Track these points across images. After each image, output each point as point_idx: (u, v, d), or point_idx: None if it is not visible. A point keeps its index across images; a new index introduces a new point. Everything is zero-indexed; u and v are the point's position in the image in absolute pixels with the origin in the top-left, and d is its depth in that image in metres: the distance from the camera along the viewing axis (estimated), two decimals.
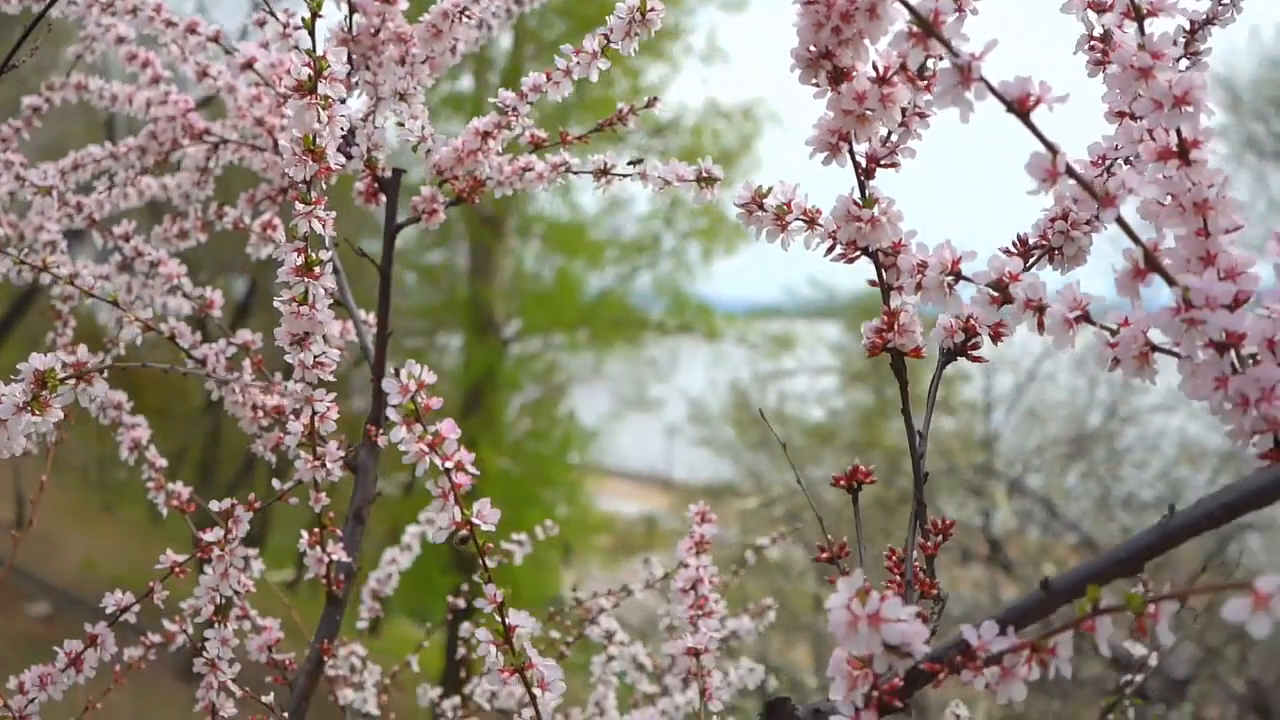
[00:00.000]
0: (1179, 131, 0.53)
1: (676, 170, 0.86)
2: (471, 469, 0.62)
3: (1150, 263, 0.51)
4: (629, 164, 0.94)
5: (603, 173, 0.94)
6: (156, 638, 1.14)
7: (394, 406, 0.61)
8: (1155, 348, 0.54)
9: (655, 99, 0.99)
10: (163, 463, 1.10)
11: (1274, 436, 0.50)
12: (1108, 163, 0.69)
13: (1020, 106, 0.50)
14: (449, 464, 0.62)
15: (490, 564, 0.66)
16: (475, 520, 0.63)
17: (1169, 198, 0.54)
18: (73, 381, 0.66)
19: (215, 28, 1.08)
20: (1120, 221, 0.51)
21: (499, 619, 0.65)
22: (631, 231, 12.04)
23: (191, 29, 1.08)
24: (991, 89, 0.50)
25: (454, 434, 0.62)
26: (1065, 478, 6.61)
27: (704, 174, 0.83)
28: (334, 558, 0.96)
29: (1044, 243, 0.68)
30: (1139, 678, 1.07)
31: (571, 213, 11.89)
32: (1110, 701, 1.06)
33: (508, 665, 0.65)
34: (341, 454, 0.90)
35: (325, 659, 0.98)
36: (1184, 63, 0.72)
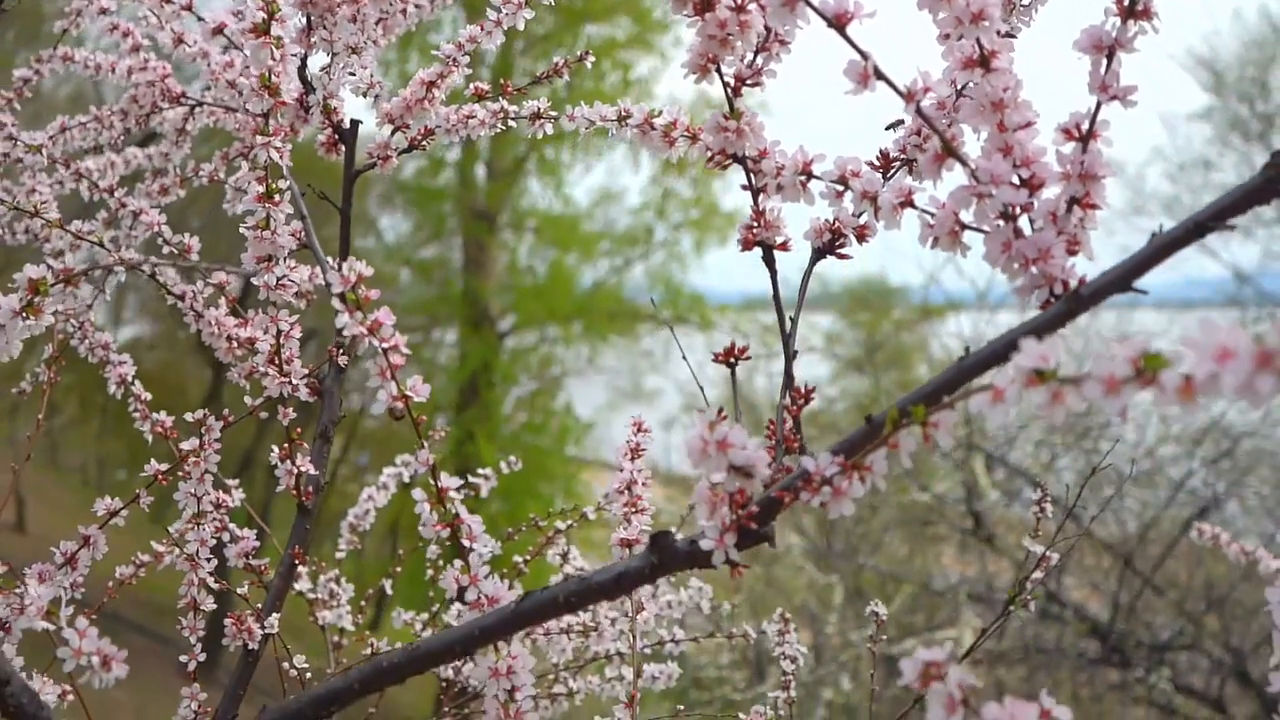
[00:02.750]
0: (979, 43, 0.64)
1: (600, 112, 0.97)
2: (404, 349, 0.73)
3: (947, 150, 0.62)
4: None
5: (536, 116, 1.05)
6: (146, 556, 1.25)
7: (336, 295, 0.71)
8: (964, 225, 0.65)
9: (587, 53, 1.10)
10: (147, 396, 1.20)
11: (1049, 289, 0.61)
12: (959, 85, 0.79)
13: (838, 21, 0.61)
14: (386, 345, 0.72)
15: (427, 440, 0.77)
16: (410, 393, 0.73)
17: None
18: (61, 285, 0.77)
19: None
20: (920, 114, 0.62)
21: (433, 482, 0.76)
22: (624, 224, 12.15)
23: None
24: (813, 8, 0.61)
25: (390, 320, 0.73)
26: (1046, 451, 6.73)
27: (623, 113, 0.93)
28: (303, 470, 1.07)
29: (903, 155, 0.78)
30: (1039, 575, 1.18)
31: (564, 206, 12.01)
32: (1012, 594, 1.17)
33: (441, 521, 0.75)
34: (305, 371, 1.01)
35: (296, 563, 1.09)
36: None
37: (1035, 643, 6.36)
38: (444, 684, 1.49)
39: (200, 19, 1.18)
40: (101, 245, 1.08)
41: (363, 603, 1.47)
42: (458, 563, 0.75)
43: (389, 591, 1.52)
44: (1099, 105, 0.62)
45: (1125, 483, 6.49)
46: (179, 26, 1.23)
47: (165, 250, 1.18)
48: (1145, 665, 5.78)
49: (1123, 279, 0.57)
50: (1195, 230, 0.56)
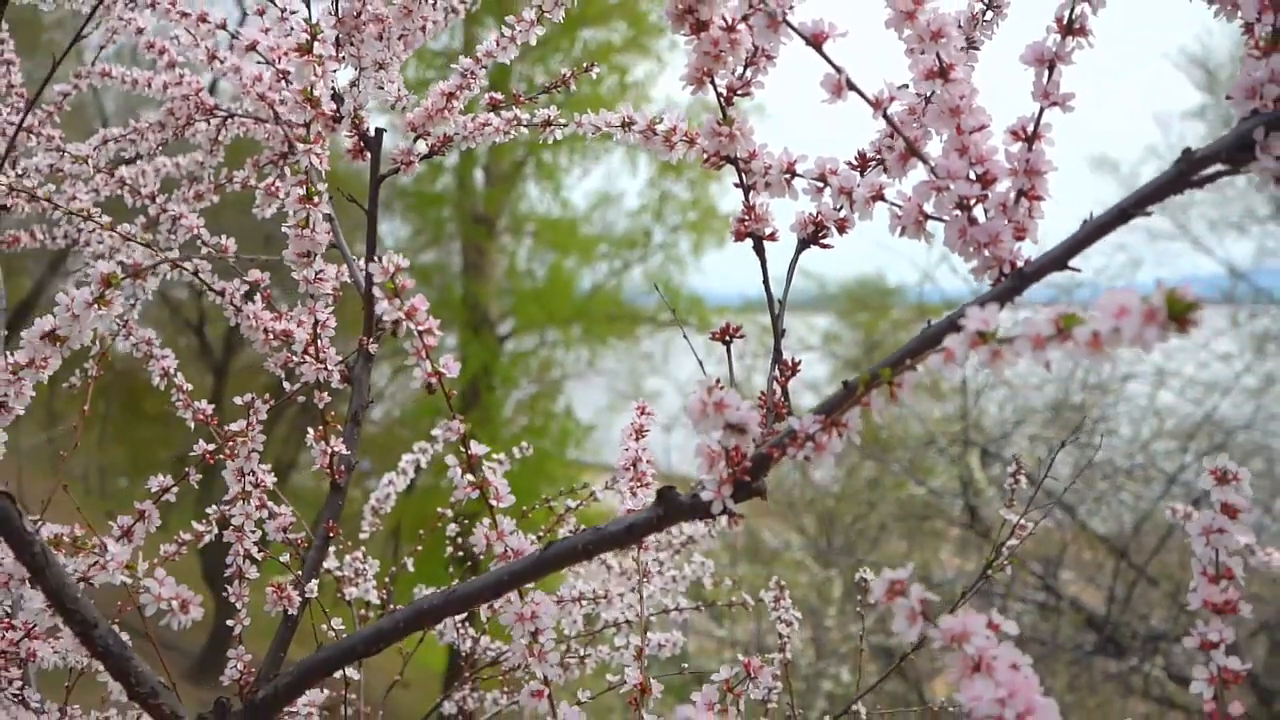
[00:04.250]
0: (939, 57, 0.73)
1: (606, 118, 1.07)
2: (437, 331, 0.82)
3: (911, 150, 0.72)
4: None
5: (546, 124, 1.15)
6: (187, 536, 1.34)
7: (377, 284, 0.81)
8: (927, 215, 0.74)
9: (592, 64, 1.20)
10: (188, 386, 1.29)
11: (1000, 269, 0.71)
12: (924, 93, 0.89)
13: (816, 40, 0.71)
14: (422, 328, 0.82)
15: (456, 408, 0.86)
16: (441, 369, 0.83)
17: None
18: (130, 279, 0.86)
19: (222, 16, 1.28)
20: (887, 119, 0.72)
21: (464, 451, 0.85)
22: (623, 227, 12.26)
23: (202, 18, 1.28)
24: (793, 29, 0.70)
25: (424, 305, 0.82)
26: (1040, 446, 6.82)
27: (626, 120, 1.03)
28: (336, 451, 1.16)
29: (877, 156, 0.88)
30: (1012, 542, 1.27)
31: (562, 210, 12.11)
32: (989, 559, 1.26)
33: (471, 484, 0.85)
34: (340, 359, 1.11)
35: (331, 536, 1.18)
36: (989, 13, 0.93)
37: (1033, 635, 6.45)
38: (463, 657, 1.59)
39: (234, 36, 1.28)
40: (147, 245, 1.18)
41: (387, 578, 1.57)
42: (486, 520, 0.85)
43: (411, 569, 1.62)
44: (1041, 110, 0.72)
45: (1096, 454, 6.59)
46: (212, 44, 1.33)
47: (203, 251, 1.28)
48: (1140, 655, 5.87)
49: (1060, 259, 0.67)
50: (1120, 216, 0.66)
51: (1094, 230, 0.67)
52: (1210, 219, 9.47)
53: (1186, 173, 0.64)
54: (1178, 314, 0.48)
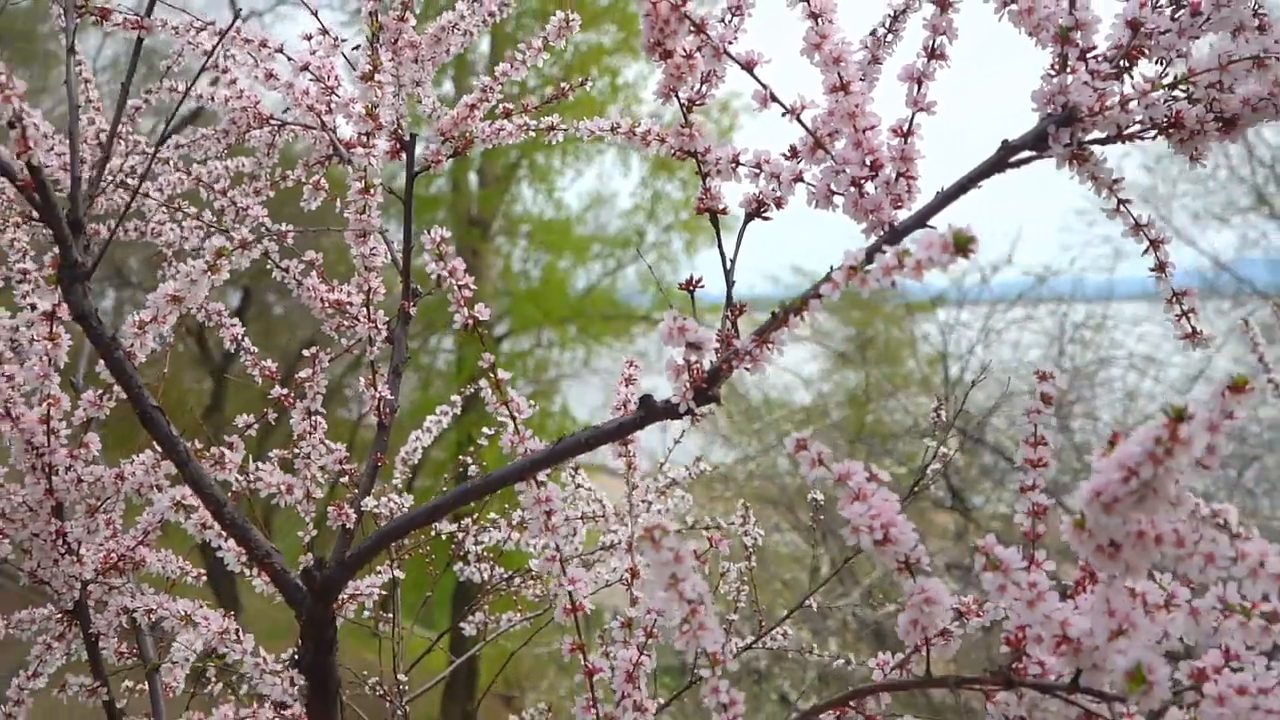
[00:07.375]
0: (839, 75, 1.01)
1: (599, 124, 1.34)
2: (471, 286, 1.10)
3: (817, 144, 0.99)
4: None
5: (551, 128, 1.42)
6: (265, 466, 1.61)
7: (427, 250, 1.08)
8: (833, 191, 1.02)
9: (585, 79, 1.47)
10: (255, 349, 1.57)
11: (882, 229, 0.98)
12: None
13: (748, 65, 0.98)
14: (460, 282, 1.09)
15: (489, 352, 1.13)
16: (477, 314, 1.10)
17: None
18: (240, 250, 1.14)
19: (280, 42, 1.55)
20: (800, 122, 0.99)
21: (493, 375, 1.12)
22: (616, 227, 12.53)
23: (263, 44, 1.55)
24: (731, 57, 0.98)
25: (462, 265, 1.10)
26: (1019, 427, 7.10)
27: (615, 125, 1.30)
28: (383, 395, 1.43)
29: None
30: (937, 467, 1.54)
31: (556, 211, 12.38)
32: (915, 479, 1.53)
33: (497, 400, 1.12)
34: (387, 319, 1.38)
35: (379, 466, 1.46)
36: (890, 36, 1.20)
37: None
38: (479, 585, 1.86)
39: (290, 59, 1.55)
40: (225, 232, 1.45)
41: None
42: (510, 427, 1.12)
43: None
44: (913, 115, 0.99)
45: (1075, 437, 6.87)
46: (270, 64, 1.60)
47: (266, 238, 1.55)
48: None
49: (919, 220, 0.94)
50: (960, 189, 0.93)
51: (942, 199, 0.94)
52: (1193, 211, 9.74)
53: (1005, 156, 0.92)
54: (961, 245, 0.75)
